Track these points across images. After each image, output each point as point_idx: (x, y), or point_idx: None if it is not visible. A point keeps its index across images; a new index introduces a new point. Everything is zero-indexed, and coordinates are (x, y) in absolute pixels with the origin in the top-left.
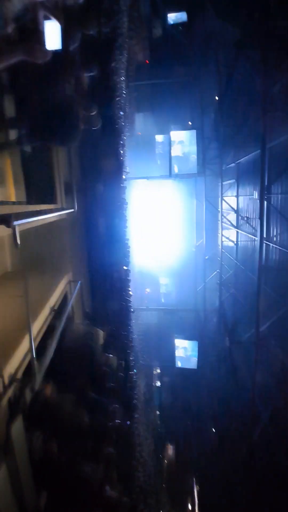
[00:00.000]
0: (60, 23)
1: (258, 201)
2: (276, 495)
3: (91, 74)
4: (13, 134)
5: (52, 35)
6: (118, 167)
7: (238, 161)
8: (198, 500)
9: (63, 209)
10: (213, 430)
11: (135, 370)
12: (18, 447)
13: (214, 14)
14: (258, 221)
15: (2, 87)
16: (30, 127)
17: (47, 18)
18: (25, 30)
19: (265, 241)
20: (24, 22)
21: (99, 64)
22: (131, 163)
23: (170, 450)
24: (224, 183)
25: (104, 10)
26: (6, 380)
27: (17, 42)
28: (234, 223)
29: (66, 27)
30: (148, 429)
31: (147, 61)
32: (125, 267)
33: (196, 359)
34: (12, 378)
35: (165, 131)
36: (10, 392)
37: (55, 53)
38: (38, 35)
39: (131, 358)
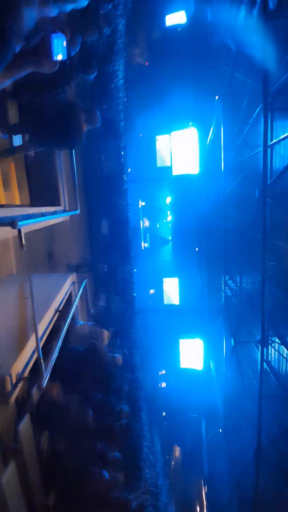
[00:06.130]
0: (66, 35)
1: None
2: None
3: (91, 76)
4: (16, 140)
5: (59, 46)
6: (120, 169)
7: (241, 160)
8: None
9: (66, 211)
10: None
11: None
12: (26, 446)
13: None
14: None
15: (6, 93)
16: (33, 132)
17: (54, 31)
18: (34, 44)
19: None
20: (33, 36)
21: (99, 67)
22: (132, 164)
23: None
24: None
25: (104, 14)
26: (14, 379)
27: (27, 55)
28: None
29: (70, 36)
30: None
31: (147, 63)
32: (128, 268)
33: (202, 359)
34: (20, 377)
35: (166, 131)
36: (17, 391)
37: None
38: (46, 48)
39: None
